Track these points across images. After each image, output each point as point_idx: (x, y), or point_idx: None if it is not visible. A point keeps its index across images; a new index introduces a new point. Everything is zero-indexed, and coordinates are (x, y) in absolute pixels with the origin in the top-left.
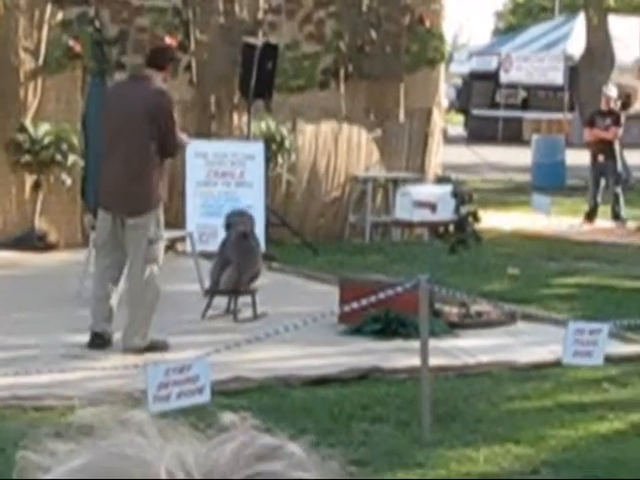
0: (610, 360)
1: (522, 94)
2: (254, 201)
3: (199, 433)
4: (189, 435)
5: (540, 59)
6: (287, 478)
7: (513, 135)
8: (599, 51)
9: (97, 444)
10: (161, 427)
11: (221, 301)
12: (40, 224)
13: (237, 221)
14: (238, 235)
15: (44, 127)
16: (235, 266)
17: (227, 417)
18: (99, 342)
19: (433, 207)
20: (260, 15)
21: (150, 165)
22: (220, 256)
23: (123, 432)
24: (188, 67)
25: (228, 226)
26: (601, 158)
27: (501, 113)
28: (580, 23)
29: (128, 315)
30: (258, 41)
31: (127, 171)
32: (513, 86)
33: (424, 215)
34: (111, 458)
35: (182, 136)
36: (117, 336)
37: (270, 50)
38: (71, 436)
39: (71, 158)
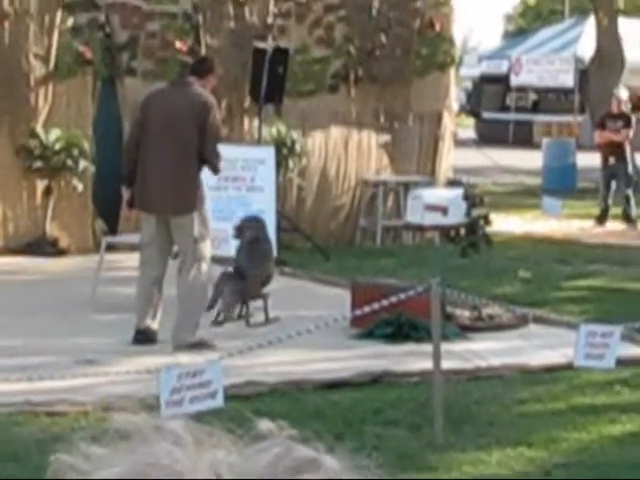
0: (622, 363)
1: (532, 97)
2: (265, 206)
3: (235, 440)
4: (225, 443)
5: (550, 62)
6: None
7: (523, 138)
8: (609, 53)
9: (133, 451)
10: (197, 435)
11: None
12: (51, 230)
13: (246, 227)
14: (248, 241)
15: (55, 133)
16: (246, 272)
17: (264, 425)
18: (141, 338)
19: (444, 210)
20: (270, 19)
21: (193, 166)
22: (234, 263)
23: (159, 440)
24: None
25: (238, 233)
26: (612, 160)
27: (511, 116)
28: (590, 25)
29: (178, 311)
30: (268, 45)
31: (171, 172)
32: (523, 89)
33: (435, 218)
34: (147, 468)
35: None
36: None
37: (280, 54)
38: (107, 441)
39: (82, 164)
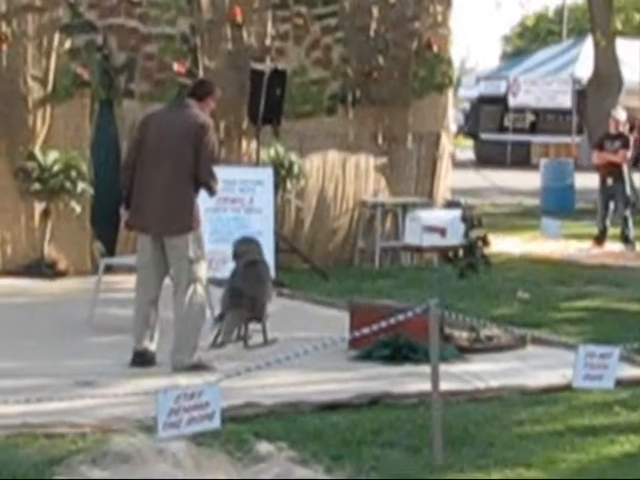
0: (620, 383)
1: (530, 118)
2: (263, 227)
3: (234, 462)
4: (224, 465)
5: (548, 83)
6: None
7: (521, 159)
8: (607, 74)
9: (133, 473)
10: (197, 457)
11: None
12: (49, 252)
13: (244, 250)
14: (245, 264)
15: (53, 155)
16: (248, 298)
17: (263, 447)
18: (139, 360)
19: (442, 232)
20: (268, 41)
21: (189, 187)
22: (230, 285)
23: (159, 462)
24: None
25: (235, 255)
26: (610, 181)
27: (509, 137)
28: (588, 46)
29: (175, 333)
30: (266, 67)
31: (166, 193)
32: (521, 110)
33: (433, 240)
34: None
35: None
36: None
37: (278, 76)
38: (107, 464)
39: (80, 185)
